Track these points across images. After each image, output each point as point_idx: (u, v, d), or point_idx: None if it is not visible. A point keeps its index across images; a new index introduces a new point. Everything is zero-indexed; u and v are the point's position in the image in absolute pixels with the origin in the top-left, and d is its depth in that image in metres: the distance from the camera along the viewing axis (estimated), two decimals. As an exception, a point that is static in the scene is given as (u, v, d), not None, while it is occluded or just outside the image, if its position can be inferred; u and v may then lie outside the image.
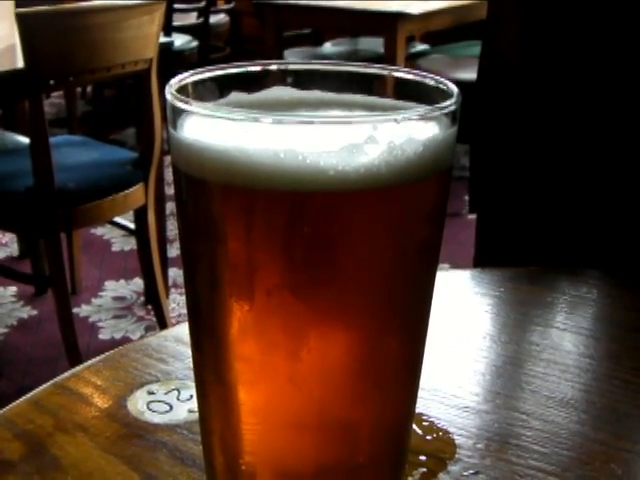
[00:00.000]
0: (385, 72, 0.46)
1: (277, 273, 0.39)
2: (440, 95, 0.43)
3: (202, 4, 4.31)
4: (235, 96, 0.45)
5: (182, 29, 4.23)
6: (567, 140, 1.07)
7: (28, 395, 0.60)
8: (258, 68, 0.47)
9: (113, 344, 2.47)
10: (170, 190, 2.69)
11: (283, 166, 0.38)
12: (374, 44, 3.89)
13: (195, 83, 0.44)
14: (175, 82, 0.43)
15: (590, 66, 1.03)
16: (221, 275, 0.41)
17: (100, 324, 2.63)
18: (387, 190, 0.39)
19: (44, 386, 0.61)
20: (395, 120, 0.39)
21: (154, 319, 2.51)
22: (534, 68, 1.09)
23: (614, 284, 0.80)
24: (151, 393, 0.60)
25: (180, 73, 0.44)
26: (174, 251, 2.92)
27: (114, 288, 2.87)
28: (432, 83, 0.44)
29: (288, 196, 0.38)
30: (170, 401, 0.60)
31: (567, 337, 0.70)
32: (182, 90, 0.43)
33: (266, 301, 0.40)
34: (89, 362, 0.65)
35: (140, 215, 2.33)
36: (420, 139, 0.40)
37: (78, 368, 0.64)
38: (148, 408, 0.59)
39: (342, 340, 0.42)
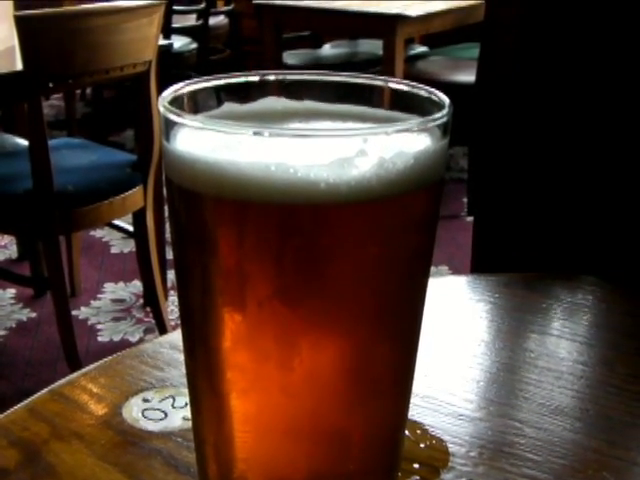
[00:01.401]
0: (378, 82, 0.47)
1: (268, 284, 0.40)
2: (432, 105, 0.43)
3: (201, 6, 4.31)
4: (228, 107, 0.45)
5: (181, 31, 4.23)
6: (565, 144, 1.08)
7: (24, 402, 0.60)
8: (252, 78, 0.47)
9: (112, 346, 2.47)
10: (169, 192, 2.68)
11: (274, 179, 0.38)
12: (373, 46, 3.89)
13: (189, 94, 0.44)
14: (168, 93, 0.43)
15: (588, 69, 1.03)
16: (213, 285, 0.41)
17: (99, 326, 2.63)
18: (378, 203, 0.39)
19: (40, 393, 0.62)
20: (386, 133, 0.39)
21: (153, 321, 2.52)
22: (533, 70, 1.10)
23: (610, 290, 0.80)
24: (146, 400, 0.61)
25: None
26: (173, 253, 2.91)
27: (113, 290, 2.87)
28: (424, 94, 0.44)
29: (279, 209, 0.38)
30: (165, 408, 0.60)
31: (562, 344, 0.70)
32: (175, 101, 0.43)
33: (258, 312, 0.40)
34: (85, 369, 0.65)
35: (139, 217, 2.33)
36: (411, 151, 0.40)
37: (74, 375, 0.64)
38: (143, 415, 0.59)
39: (334, 350, 0.42)
